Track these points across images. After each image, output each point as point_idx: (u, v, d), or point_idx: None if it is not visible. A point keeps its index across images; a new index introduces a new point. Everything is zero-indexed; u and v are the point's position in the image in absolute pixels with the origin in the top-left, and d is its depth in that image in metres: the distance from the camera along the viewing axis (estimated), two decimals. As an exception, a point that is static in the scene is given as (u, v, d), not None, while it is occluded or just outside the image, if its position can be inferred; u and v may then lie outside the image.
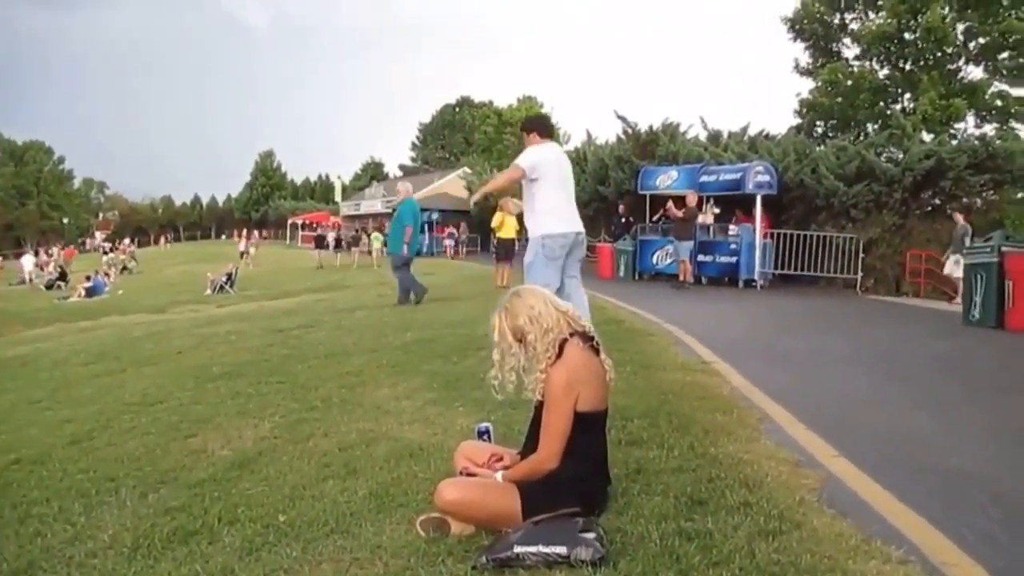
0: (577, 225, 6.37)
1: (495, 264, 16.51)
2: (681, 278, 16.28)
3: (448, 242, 37.53)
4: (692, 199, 16.66)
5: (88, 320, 16.32)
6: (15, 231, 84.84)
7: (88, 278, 27.64)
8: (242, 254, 38.99)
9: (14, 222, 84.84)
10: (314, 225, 55.29)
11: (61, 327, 14.97)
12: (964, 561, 2.85)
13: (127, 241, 57.37)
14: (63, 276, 32.47)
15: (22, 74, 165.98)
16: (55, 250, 46.25)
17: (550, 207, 6.23)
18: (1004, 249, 9.93)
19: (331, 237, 39.26)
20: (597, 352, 3.21)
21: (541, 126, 6.66)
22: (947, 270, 15.28)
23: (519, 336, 3.19)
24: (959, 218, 15.53)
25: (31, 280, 35.18)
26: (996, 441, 4.69)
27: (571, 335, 3.16)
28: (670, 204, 16.98)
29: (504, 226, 16.26)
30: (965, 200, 17.49)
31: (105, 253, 43.58)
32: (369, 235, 36.58)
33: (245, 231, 50.05)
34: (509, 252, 16.34)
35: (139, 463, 4.60)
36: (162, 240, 76.94)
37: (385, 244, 38.20)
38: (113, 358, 9.26)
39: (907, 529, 3.12)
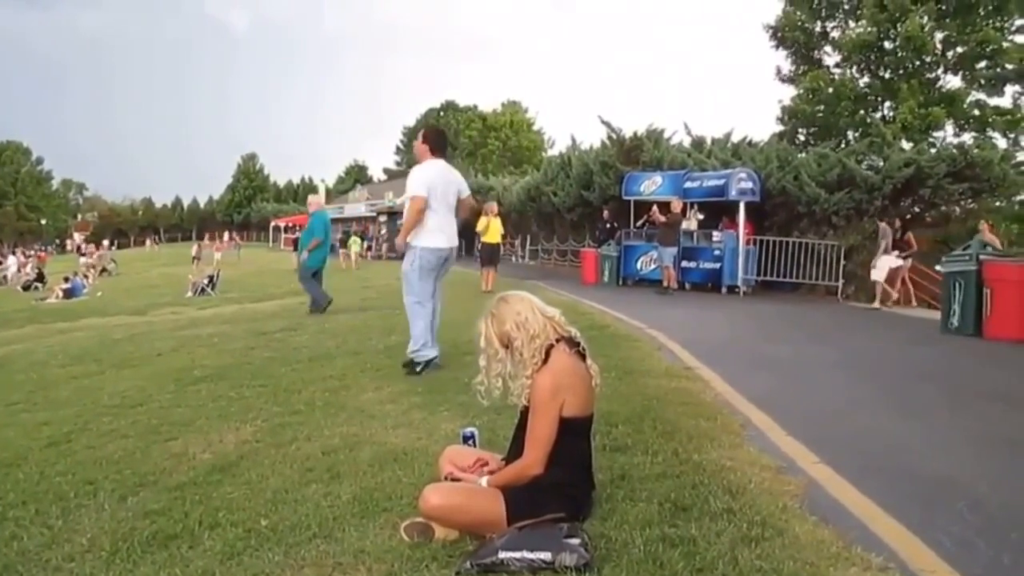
0: (454, 240, 6.85)
1: (480, 269, 16.48)
2: (665, 284, 16.32)
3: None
4: (677, 205, 16.72)
5: (66, 322, 16.13)
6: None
7: (66, 279, 27.39)
8: (194, 259, 38.85)
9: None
10: (295, 227, 55.13)
11: (38, 328, 14.80)
12: (942, 568, 2.89)
13: (105, 243, 56.91)
14: (40, 277, 32.16)
15: (0, 74, 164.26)
16: (32, 252, 45.91)
17: (435, 224, 6.56)
18: (982, 257, 10.04)
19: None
20: (583, 358, 3.22)
21: (437, 142, 6.86)
22: (873, 276, 15.53)
23: (506, 342, 3.19)
24: (879, 222, 15.78)
25: (8, 279, 34.83)
26: (975, 448, 4.74)
27: (557, 341, 3.16)
28: (655, 209, 17.03)
29: (489, 230, 16.26)
30: (944, 208, 17.65)
31: (81, 255, 43.17)
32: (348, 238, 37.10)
33: (207, 235, 49.72)
34: (494, 257, 16.34)
35: (118, 466, 4.55)
36: (148, 242, 76.29)
37: (367, 248, 38.88)
38: (92, 360, 9.15)
39: (887, 536, 3.15)
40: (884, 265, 14.95)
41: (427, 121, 77.51)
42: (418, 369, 6.58)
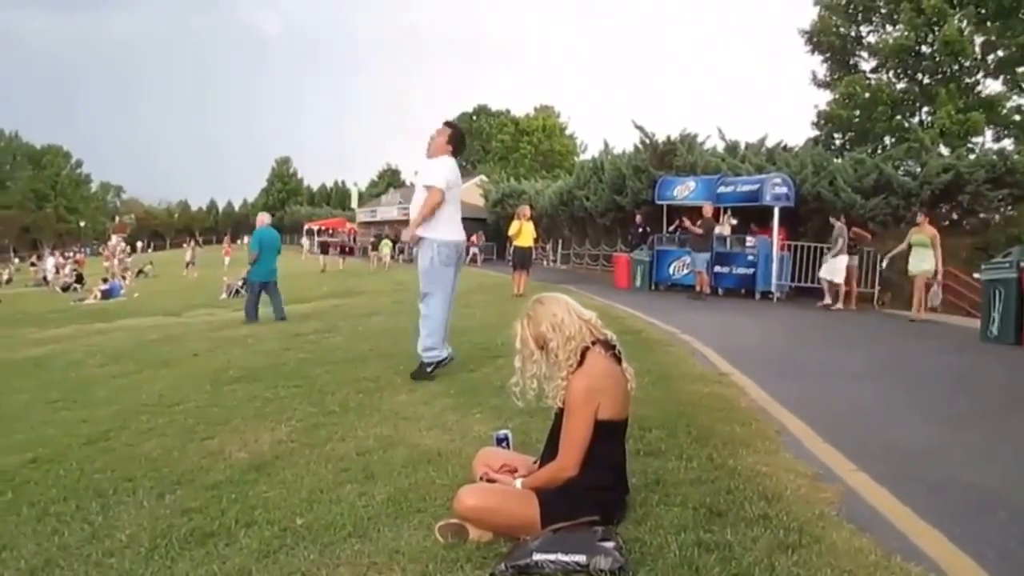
0: (464, 235, 6.84)
1: (512, 272, 16.49)
2: (698, 289, 16.21)
3: (474, 250, 37.76)
4: (708, 210, 16.61)
5: (104, 322, 16.39)
6: (32, 234, 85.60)
7: (104, 280, 27.85)
8: (188, 264, 39.35)
9: (31, 225, 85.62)
10: (330, 231, 55.69)
11: (76, 328, 15.04)
12: (985, 579, 2.83)
13: (139, 245, 57.53)
14: (79, 279, 32.73)
15: (41, 79, 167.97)
16: (71, 254, 46.76)
17: (447, 217, 6.53)
18: (1023, 265, 9.83)
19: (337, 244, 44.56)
20: (619, 360, 3.21)
21: (459, 142, 6.80)
22: (822, 273, 15.40)
23: (541, 343, 3.19)
24: (834, 221, 15.69)
25: (48, 281, 35.50)
26: (1017, 458, 4.64)
27: (593, 343, 3.15)
28: (687, 223, 16.90)
29: (522, 234, 16.26)
30: (983, 215, 17.35)
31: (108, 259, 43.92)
32: (380, 241, 37.91)
33: (192, 238, 50.67)
34: (526, 260, 16.36)
35: (156, 464, 4.62)
36: (188, 245, 77.03)
37: (399, 252, 39.44)
38: (129, 360, 9.30)
39: (927, 545, 3.09)
40: (841, 265, 14.88)
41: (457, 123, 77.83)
42: (429, 370, 6.55)
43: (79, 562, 3.25)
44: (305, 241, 57.55)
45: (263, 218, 14.55)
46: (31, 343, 12.66)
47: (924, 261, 12.92)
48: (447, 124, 6.96)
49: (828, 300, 15.03)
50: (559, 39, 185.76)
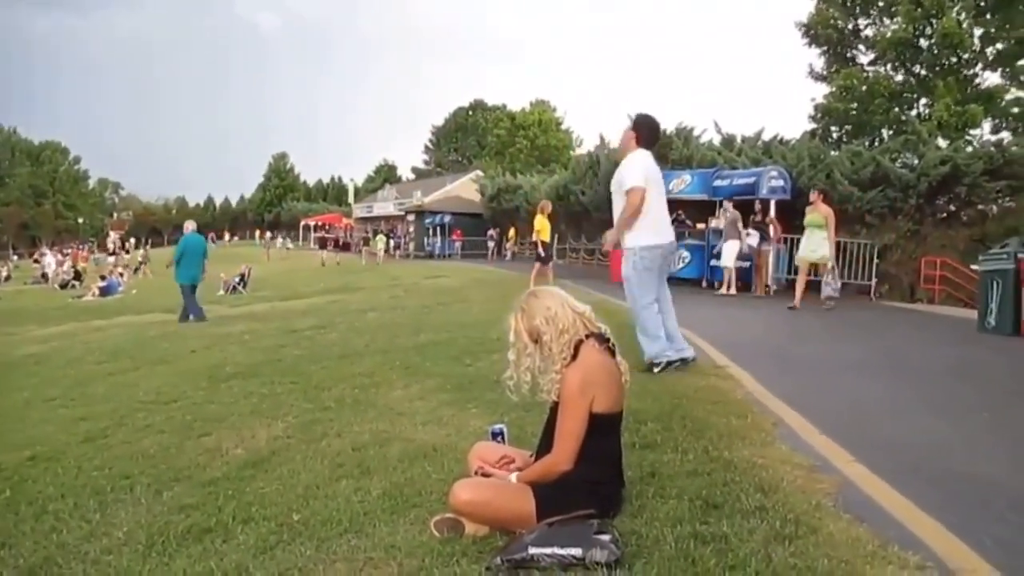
0: (671, 234, 6.46)
1: (539, 266, 16.55)
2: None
3: (491, 244, 37.89)
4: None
5: (102, 319, 16.40)
6: (31, 230, 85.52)
7: (103, 277, 27.86)
8: (140, 265, 39.17)
9: (30, 221, 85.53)
10: (327, 226, 55.90)
11: (75, 326, 15.04)
12: (983, 567, 2.83)
13: (132, 242, 57.74)
14: (78, 276, 32.71)
15: (40, 75, 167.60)
16: (68, 251, 46.79)
17: (652, 219, 6.18)
18: (1020, 256, 9.83)
19: (331, 239, 45.91)
20: (613, 354, 3.21)
21: (649, 132, 6.44)
22: (723, 262, 15.63)
23: (535, 336, 3.19)
24: (728, 205, 16.00)
25: (48, 278, 35.49)
26: (1014, 448, 4.64)
27: (587, 336, 3.15)
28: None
29: (545, 230, 16.38)
30: (981, 206, 17.36)
31: (111, 255, 43.84)
32: (375, 237, 38.54)
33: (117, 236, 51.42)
34: (548, 255, 16.55)
35: (153, 461, 4.63)
36: (224, 238, 76.73)
37: (395, 247, 39.73)
38: (127, 357, 9.30)
39: (924, 535, 3.09)
40: (731, 251, 15.00)
41: (455, 120, 77.80)
42: (656, 370, 6.18)
43: (77, 560, 3.26)
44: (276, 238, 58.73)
45: (189, 225, 15.40)
46: (30, 340, 12.67)
47: (819, 246, 12.56)
48: (636, 118, 6.53)
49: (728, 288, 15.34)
50: (555, 33, 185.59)
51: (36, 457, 5.02)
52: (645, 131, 6.39)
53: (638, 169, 6.14)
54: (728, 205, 16.23)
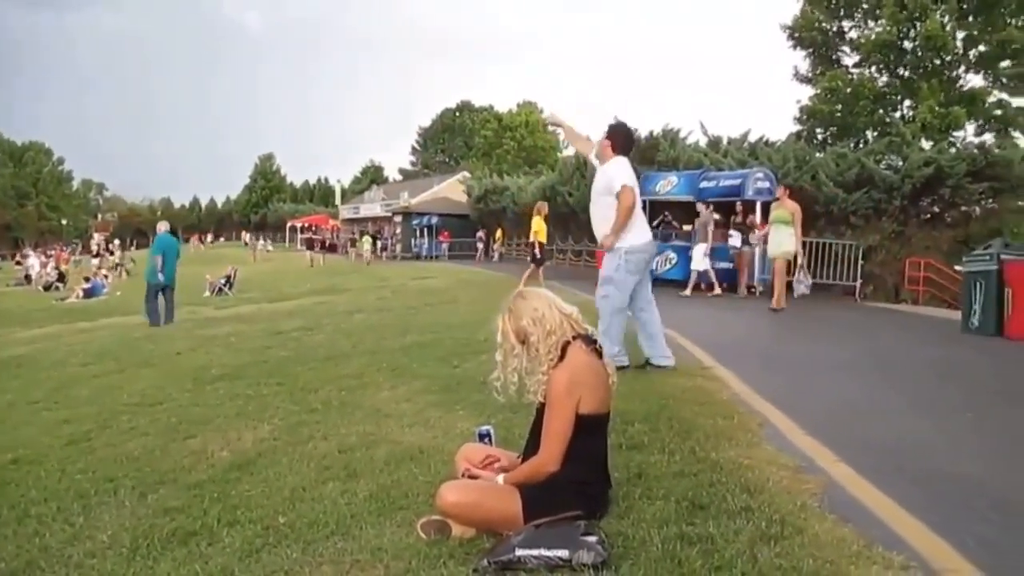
0: (650, 235, 6.50)
1: (532, 267, 16.58)
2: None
3: (479, 245, 37.85)
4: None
5: (86, 321, 16.29)
6: (14, 232, 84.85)
7: (87, 279, 27.64)
8: (116, 266, 38.80)
9: (13, 223, 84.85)
10: (313, 228, 55.86)
11: (59, 328, 14.93)
12: (965, 567, 2.85)
13: (116, 243, 57.45)
14: (61, 277, 32.46)
15: (23, 75, 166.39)
16: (52, 252, 46.47)
17: (639, 221, 6.26)
18: (1003, 257, 9.92)
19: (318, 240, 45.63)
20: (599, 355, 3.21)
21: (624, 140, 6.50)
22: (694, 264, 15.66)
23: (522, 337, 3.19)
24: (702, 208, 16.00)
25: (32, 279, 35.21)
26: (997, 448, 4.68)
27: (574, 338, 3.16)
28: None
29: (542, 231, 16.44)
30: (964, 208, 17.50)
31: (95, 256, 43.55)
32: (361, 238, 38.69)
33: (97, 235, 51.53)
34: (543, 257, 16.71)
35: (138, 464, 4.60)
36: (203, 239, 76.10)
37: (373, 247, 39.77)
38: (112, 359, 9.24)
39: (908, 535, 3.11)
40: (700, 253, 15.17)
41: (442, 121, 77.70)
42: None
43: (60, 564, 3.23)
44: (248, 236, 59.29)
45: (162, 226, 15.41)
46: (13, 342, 12.57)
47: (784, 242, 12.36)
48: (608, 128, 6.62)
49: (689, 290, 15.41)
50: (543, 34, 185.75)
51: (19, 460, 4.98)
52: (620, 139, 6.48)
53: (626, 173, 6.20)
54: (701, 207, 16.27)
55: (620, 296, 6.26)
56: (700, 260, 15.65)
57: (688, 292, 15.34)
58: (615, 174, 6.22)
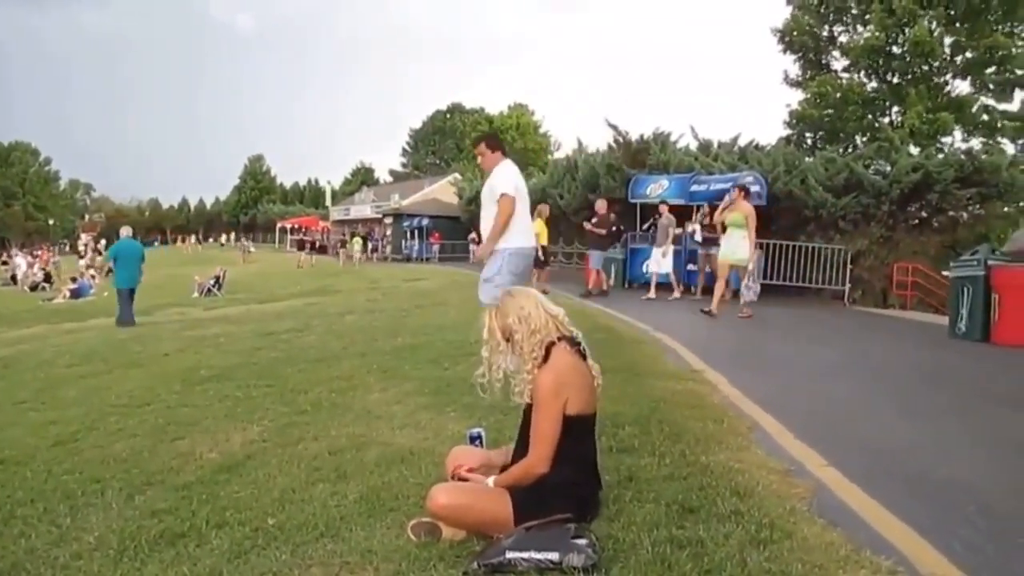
0: (533, 240, 6.59)
1: (536, 270, 16.55)
2: (589, 286, 16.29)
3: (472, 247, 37.84)
4: (601, 207, 16.64)
5: (73, 322, 16.19)
6: (0, 232, 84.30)
7: (73, 280, 27.48)
8: (90, 266, 38.44)
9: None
10: (303, 229, 55.80)
11: (46, 328, 14.84)
12: (952, 571, 2.87)
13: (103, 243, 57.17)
14: (47, 278, 32.26)
15: (8, 74, 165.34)
16: (38, 253, 46.21)
17: (520, 226, 6.29)
18: (990, 263, 9.99)
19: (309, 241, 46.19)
20: (584, 357, 3.22)
21: (497, 143, 6.64)
22: (652, 267, 15.87)
23: (507, 335, 3.21)
24: (664, 209, 16.06)
25: (18, 280, 34.97)
26: (984, 453, 4.71)
27: (558, 339, 3.16)
28: (588, 225, 16.61)
29: (543, 234, 16.40)
30: (952, 213, 17.62)
31: (81, 256, 43.31)
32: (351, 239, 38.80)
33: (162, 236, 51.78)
34: (546, 259, 16.65)
35: (125, 465, 4.56)
36: (186, 241, 75.69)
37: (364, 248, 39.77)
38: (99, 360, 9.17)
39: (896, 539, 3.13)
40: (657, 256, 15.60)
41: (433, 123, 77.69)
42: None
43: (46, 566, 3.20)
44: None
45: (124, 231, 15.86)
46: (-2, 343, 12.45)
47: (738, 248, 11.45)
48: (482, 137, 6.76)
49: (652, 294, 15.41)
50: (534, 37, 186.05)
51: (5, 461, 4.93)
52: (490, 139, 6.60)
53: (510, 177, 6.24)
54: (663, 209, 16.29)
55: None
56: (659, 262, 15.71)
57: (652, 294, 15.32)
58: (497, 183, 6.27)
